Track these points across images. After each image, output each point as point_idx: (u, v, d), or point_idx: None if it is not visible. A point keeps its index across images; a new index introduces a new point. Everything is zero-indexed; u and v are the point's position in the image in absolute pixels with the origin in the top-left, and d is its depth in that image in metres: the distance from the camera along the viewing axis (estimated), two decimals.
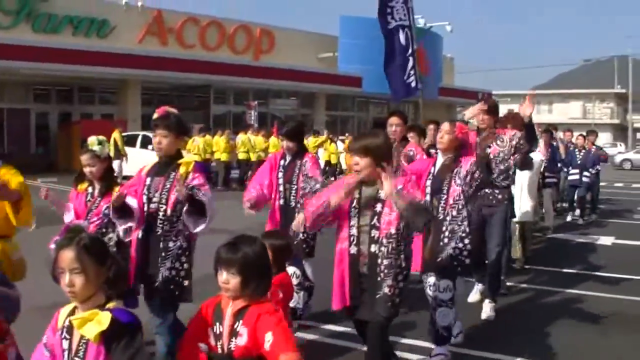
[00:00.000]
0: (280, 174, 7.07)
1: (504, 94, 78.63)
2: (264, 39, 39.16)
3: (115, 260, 3.35)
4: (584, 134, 17.27)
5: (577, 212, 16.29)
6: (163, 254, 5.36)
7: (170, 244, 5.38)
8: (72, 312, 3.31)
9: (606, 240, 13.38)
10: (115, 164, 22.41)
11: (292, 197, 6.98)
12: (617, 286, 9.40)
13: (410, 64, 9.36)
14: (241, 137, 26.05)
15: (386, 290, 4.81)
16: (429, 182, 6.39)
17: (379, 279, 4.84)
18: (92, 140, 6.02)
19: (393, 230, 4.85)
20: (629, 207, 19.61)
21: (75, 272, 3.15)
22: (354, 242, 4.94)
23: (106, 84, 33.64)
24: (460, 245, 6.10)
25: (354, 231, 4.95)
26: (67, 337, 3.25)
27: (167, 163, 5.54)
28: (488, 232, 7.76)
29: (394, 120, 7.84)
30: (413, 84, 9.48)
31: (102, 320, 3.10)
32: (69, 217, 6.02)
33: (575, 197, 16.32)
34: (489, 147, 7.69)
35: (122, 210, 5.36)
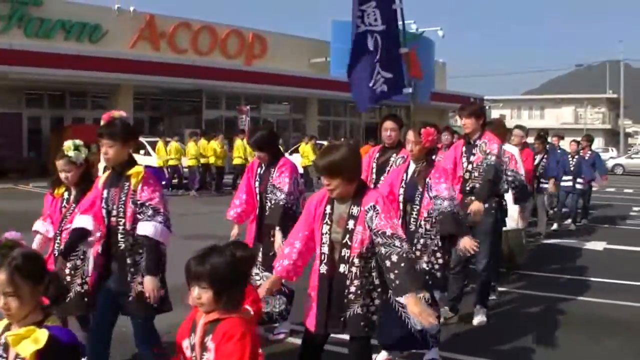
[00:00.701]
0: (257, 183, 6.93)
1: (496, 99, 78.83)
2: (256, 44, 39.19)
3: (54, 277, 3.19)
4: (578, 139, 17.19)
5: (568, 220, 16.17)
6: (132, 270, 5.18)
7: (138, 258, 5.19)
8: (8, 328, 3.13)
9: (597, 246, 13.41)
10: None
11: (267, 208, 6.80)
12: (608, 291, 9.41)
13: (377, 70, 9.19)
14: (237, 142, 26.07)
15: (359, 310, 4.55)
16: (402, 190, 6.24)
17: (345, 300, 4.56)
18: (68, 145, 5.89)
19: (364, 250, 4.54)
20: (621, 212, 19.67)
21: (9, 295, 2.97)
22: (324, 261, 4.64)
23: (98, 89, 33.56)
24: (433, 259, 6.02)
25: (325, 249, 4.64)
26: (4, 355, 3.07)
27: (121, 173, 5.32)
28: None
29: (388, 124, 7.59)
30: (378, 90, 9.28)
31: (39, 338, 2.93)
32: (39, 225, 5.92)
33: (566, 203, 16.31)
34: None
35: (81, 236, 5.22)
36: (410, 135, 6.19)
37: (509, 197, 8.77)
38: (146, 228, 5.09)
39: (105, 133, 5.28)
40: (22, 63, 26.44)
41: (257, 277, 6.60)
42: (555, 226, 15.54)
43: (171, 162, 24.84)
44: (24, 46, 27.41)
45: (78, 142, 5.97)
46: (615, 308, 8.59)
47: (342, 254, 4.58)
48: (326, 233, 4.64)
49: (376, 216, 4.44)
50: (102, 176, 5.56)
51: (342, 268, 4.58)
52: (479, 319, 7.74)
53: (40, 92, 32.93)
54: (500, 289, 9.13)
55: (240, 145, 25.77)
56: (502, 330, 7.55)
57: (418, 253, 5.92)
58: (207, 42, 36.70)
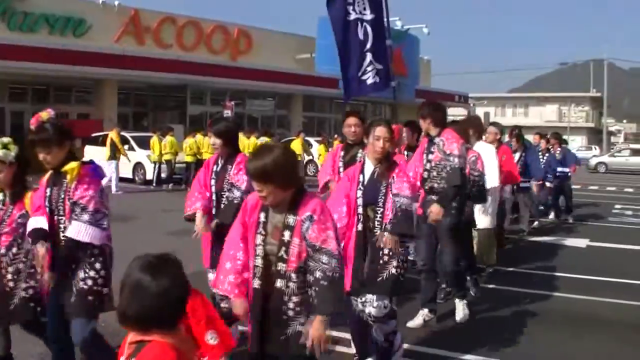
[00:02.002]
0: (213, 181, 6.34)
1: (481, 97, 79.11)
2: (242, 39, 39.12)
3: None
4: (548, 136, 17.07)
5: (551, 216, 16.30)
6: (73, 266, 5.00)
7: (79, 253, 4.99)
8: None
9: (580, 243, 13.49)
10: (112, 165, 22.32)
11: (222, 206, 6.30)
12: (590, 288, 9.47)
13: (368, 59, 8.98)
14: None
15: (299, 328, 4.10)
16: (359, 193, 5.70)
17: (285, 317, 4.12)
18: None
19: (303, 263, 4.09)
20: (604, 210, 19.81)
21: None
22: (258, 275, 4.21)
23: (82, 84, 33.35)
24: (400, 263, 5.58)
25: (259, 262, 4.21)
26: None
27: (59, 171, 5.10)
28: (440, 244, 7.56)
29: (351, 120, 7.28)
30: (369, 81, 8.95)
31: None
32: None
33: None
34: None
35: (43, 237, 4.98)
36: (383, 131, 5.74)
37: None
38: (69, 228, 4.92)
39: (38, 141, 5.09)
40: (5, 57, 26.20)
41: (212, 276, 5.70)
42: (536, 223, 15.44)
43: (166, 157, 24.80)
44: (8, 40, 27.15)
45: (7, 139, 5.58)
46: (597, 305, 8.65)
47: (278, 267, 4.15)
48: (260, 244, 4.23)
49: (310, 226, 4.04)
50: (46, 174, 5.31)
51: (279, 283, 4.14)
52: (461, 314, 7.70)
53: (23, 87, 32.72)
54: (481, 285, 9.15)
55: (240, 140, 25.69)
56: (483, 327, 7.59)
57: (386, 258, 5.53)
58: (192, 37, 36.59)
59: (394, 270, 5.52)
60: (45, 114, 5.25)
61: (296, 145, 27.31)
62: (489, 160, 8.99)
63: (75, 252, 4.97)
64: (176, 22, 35.97)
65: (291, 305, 4.12)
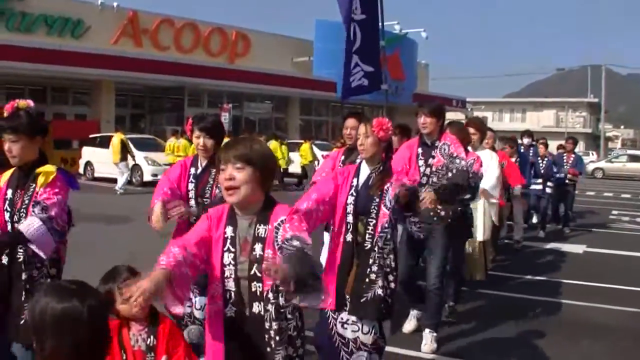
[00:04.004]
0: (192, 186, 5.55)
1: (478, 102, 79.18)
2: (240, 42, 39.15)
3: None
4: (546, 141, 16.44)
5: (540, 233, 15.21)
6: (27, 286, 4.39)
7: (35, 273, 4.45)
8: None
9: (577, 249, 13.46)
10: (123, 166, 22.43)
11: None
12: (586, 294, 9.44)
13: (354, 61, 8.75)
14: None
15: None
16: (351, 199, 4.99)
17: (269, 349, 3.50)
18: None
19: None
20: (601, 216, 19.83)
21: None
22: (232, 300, 3.55)
23: (80, 85, 33.39)
24: (386, 282, 4.91)
25: (230, 285, 3.55)
26: None
27: (28, 173, 4.57)
28: (428, 254, 7.02)
29: (349, 122, 6.86)
30: (354, 84, 8.79)
31: None
32: None
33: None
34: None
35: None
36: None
37: (475, 206, 8.55)
38: (24, 222, 4.33)
39: (7, 126, 4.52)
40: (3, 57, 26.21)
41: (190, 304, 5.18)
42: (541, 233, 15.11)
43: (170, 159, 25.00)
44: (5, 40, 27.17)
45: None
46: (593, 310, 8.63)
47: (253, 289, 3.53)
48: (229, 264, 3.55)
49: (281, 227, 3.43)
50: (6, 173, 4.76)
51: (256, 307, 3.54)
52: (428, 345, 6.85)
53: (21, 87, 32.68)
54: (479, 291, 9.16)
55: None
56: (479, 332, 7.55)
57: (373, 276, 4.88)
58: (189, 39, 36.61)
59: (380, 291, 4.84)
60: (24, 102, 4.67)
61: (305, 151, 27.42)
62: (490, 170, 8.81)
63: (14, 245, 4.39)
64: (174, 24, 35.99)
65: (272, 332, 3.50)
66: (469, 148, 8.13)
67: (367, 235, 4.91)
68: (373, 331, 4.87)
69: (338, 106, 45.72)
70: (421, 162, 6.82)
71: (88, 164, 27.18)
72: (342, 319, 4.92)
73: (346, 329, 4.91)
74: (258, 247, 3.51)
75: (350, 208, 4.96)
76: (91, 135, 27.77)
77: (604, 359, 6.96)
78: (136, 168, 25.20)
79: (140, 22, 34.26)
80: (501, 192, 10.26)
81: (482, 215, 8.89)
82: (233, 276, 3.52)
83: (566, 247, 13.53)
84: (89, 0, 32.77)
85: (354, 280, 4.89)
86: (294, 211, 3.62)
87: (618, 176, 43.42)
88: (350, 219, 4.95)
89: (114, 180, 23.09)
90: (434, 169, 6.73)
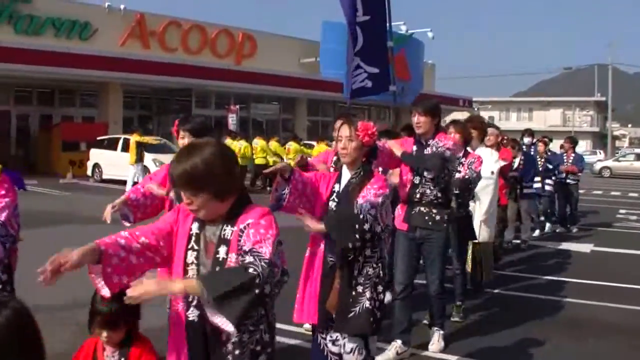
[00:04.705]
0: (172, 193, 5.24)
1: (485, 101, 79.11)
2: (246, 43, 39.17)
3: None
4: (546, 140, 16.40)
5: (537, 232, 15.03)
6: None
7: None
8: None
9: (585, 248, 13.49)
10: (138, 168, 22.53)
11: None
12: (594, 293, 9.47)
13: (356, 63, 8.63)
14: (259, 143, 26.33)
15: None
16: (333, 205, 4.79)
17: (230, 358, 3.20)
18: None
19: None
20: (608, 215, 19.81)
21: None
22: (194, 304, 3.22)
23: (87, 87, 33.47)
24: (374, 294, 4.62)
25: None
26: None
27: None
28: (425, 260, 6.75)
29: (337, 123, 6.05)
30: (355, 86, 8.68)
31: None
32: None
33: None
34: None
35: None
36: (344, 129, 4.80)
37: (475, 207, 8.53)
38: None
39: None
40: (11, 60, 26.29)
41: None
42: (537, 232, 15.04)
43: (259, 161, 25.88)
44: (14, 43, 27.24)
45: None
46: (601, 309, 8.65)
47: None
48: (192, 263, 3.26)
49: (246, 232, 3.14)
50: None
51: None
52: (435, 345, 6.86)
53: (29, 90, 32.86)
54: (487, 290, 9.18)
55: (264, 145, 26.13)
56: (487, 331, 7.58)
57: (360, 289, 4.59)
58: (197, 41, 36.64)
59: (368, 304, 4.57)
60: None
61: (320, 151, 27.35)
62: (487, 166, 8.41)
63: None
64: (181, 26, 36.03)
65: (230, 346, 3.19)
66: (468, 148, 8.08)
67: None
68: (357, 350, 4.65)
69: (345, 107, 45.68)
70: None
71: (96, 165, 27.26)
72: (331, 337, 4.75)
73: (335, 345, 4.75)
74: (222, 249, 3.19)
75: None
76: (99, 138, 27.86)
77: (611, 357, 6.98)
78: (144, 170, 25.31)
79: (148, 24, 34.32)
80: (505, 190, 10.28)
81: (482, 216, 8.69)
82: (196, 277, 3.14)
83: (573, 247, 13.56)
84: (97, 3, 32.95)
85: (338, 295, 4.61)
86: (265, 213, 3.21)
87: (625, 175, 43.30)
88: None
89: (122, 182, 23.17)
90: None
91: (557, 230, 15.73)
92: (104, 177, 26.38)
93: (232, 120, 33.00)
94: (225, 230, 3.21)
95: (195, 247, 3.26)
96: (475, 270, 8.96)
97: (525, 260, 11.95)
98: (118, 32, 32.89)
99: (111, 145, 26.68)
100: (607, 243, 14.18)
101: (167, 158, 25.08)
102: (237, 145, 25.64)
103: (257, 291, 2.87)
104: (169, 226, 3.33)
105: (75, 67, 28.31)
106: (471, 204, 8.32)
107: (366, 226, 4.38)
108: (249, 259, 2.96)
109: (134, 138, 23.31)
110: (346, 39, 8.89)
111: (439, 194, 6.43)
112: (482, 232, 8.65)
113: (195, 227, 3.29)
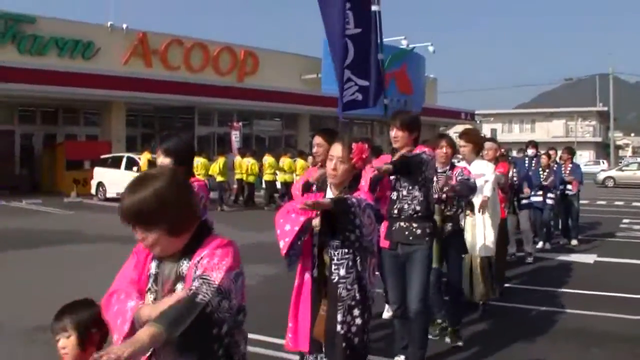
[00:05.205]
0: None
1: (487, 114, 79.25)
2: (248, 60, 39.31)
3: None
4: (550, 153, 15.84)
5: (540, 244, 14.75)
6: None
7: None
8: None
9: (588, 259, 13.49)
10: None
11: None
12: (598, 304, 9.48)
13: (346, 76, 8.42)
14: (268, 159, 26.41)
15: None
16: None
17: None
18: None
19: None
20: (611, 225, 19.76)
21: None
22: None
23: (91, 106, 33.65)
24: (349, 318, 4.31)
25: None
26: None
27: None
28: (407, 276, 6.28)
29: (316, 139, 6.31)
30: (346, 99, 8.48)
31: None
32: None
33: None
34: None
35: None
36: (337, 149, 4.52)
37: (478, 221, 8.37)
38: None
39: None
40: (15, 80, 26.54)
41: None
42: (540, 244, 14.75)
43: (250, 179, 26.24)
44: (17, 63, 27.52)
45: None
46: (604, 320, 8.67)
47: None
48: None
49: (200, 262, 2.84)
50: None
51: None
52: None
53: (32, 109, 33.06)
54: (490, 303, 9.09)
55: (273, 161, 26.19)
56: (491, 343, 7.60)
57: (339, 317, 4.33)
58: (199, 59, 36.82)
59: (339, 327, 4.30)
60: None
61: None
62: (484, 177, 8.31)
63: None
64: (183, 44, 36.21)
65: None
66: (455, 160, 7.97)
67: (333, 268, 4.37)
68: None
69: (347, 121, 45.82)
70: (392, 177, 6.26)
71: (100, 184, 27.34)
72: None
73: None
74: (179, 286, 2.89)
75: (315, 239, 4.49)
76: (102, 156, 27.96)
77: None
78: None
79: (150, 42, 34.49)
80: (504, 204, 10.17)
81: (482, 229, 8.43)
82: (151, 323, 2.65)
83: (576, 257, 13.56)
84: (99, 22, 33.10)
85: (325, 320, 4.39)
86: (223, 244, 2.89)
87: (629, 184, 43.24)
88: (316, 251, 4.50)
89: None
90: (402, 182, 6.22)
91: (560, 242, 15.70)
92: (108, 195, 26.44)
93: (235, 137, 33.10)
94: (182, 265, 2.92)
95: (154, 288, 3.00)
96: (472, 286, 8.57)
97: (527, 272, 11.97)
98: (121, 51, 33.06)
99: (115, 163, 26.76)
100: (611, 253, 14.17)
101: None
102: (246, 162, 25.76)
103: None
104: (134, 272, 3.09)
105: (78, 86, 28.53)
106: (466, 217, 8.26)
107: (354, 209, 4.12)
108: (196, 284, 2.72)
109: (144, 157, 23.42)
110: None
111: (418, 208, 6.16)
112: (484, 245, 8.43)
113: (153, 266, 3.05)
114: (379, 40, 8.54)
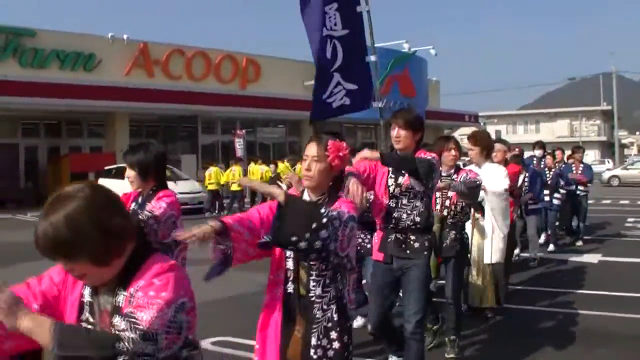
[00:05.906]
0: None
1: (491, 115, 79.20)
2: (250, 68, 39.33)
3: None
4: (555, 152, 16.26)
5: (551, 247, 14.68)
6: None
7: None
8: None
9: (592, 258, 13.48)
10: None
11: None
12: (602, 303, 9.46)
13: (335, 80, 8.19)
14: (280, 166, 26.66)
15: None
16: None
17: None
18: None
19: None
20: (616, 224, 19.77)
21: None
22: None
23: (94, 117, 33.75)
24: (325, 341, 3.79)
25: None
26: None
27: None
28: (403, 294, 5.88)
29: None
30: (335, 104, 8.26)
31: None
32: None
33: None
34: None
35: None
36: (311, 148, 4.02)
37: (487, 226, 8.29)
38: None
39: None
40: (17, 93, 26.64)
41: None
42: (551, 247, 14.69)
43: (211, 187, 26.73)
44: (19, 77, 27.64)
45: None
46: (610, 320, 8.65)
47: None
48: None
49: (135, 295, 2.46)
50: None
51: None
52: None
53: (36, 122, 33.17)
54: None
55: (284, 168, 26.22)
56: (496, 343, 7.61)
57: (314, 339, 3.81)
58: (201, 67, 36.86)
59: (312, 352, 3.79)
60: None
61: None
62: (496, 181, 8.19)
63: None
64: (185, 53, 36.25)
65: None
66: (460, 163, 7.76)
67: (311, 284, 3.84)
68: None
69: (351, 127, 45.82)
70: (391, 182, 5.75)
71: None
72: None
73: None
74: (117, 319, 2.46)
75: (289, 252, 3.91)
76: (107, 167, 27.98)
77: None
78: None
79: (151, 53, 34.55)
80: (513, 207, 10.06)
81: (490, 235, 8.33)
82: (53, 322, 2.40)
83: (581, 257, 13.56)
84: (100, 34, 33.15)
85: (301, 344, 3.85)
86: (162, 271, 2.48)
87: (634, 183, 43.16)
88: (290, 264, 3.95)
89: None
90: (403, 188, 5.66)
91: (565, 242, 15.68)
92: None
93: (239, 145, 33.11)
94: (118, 295, 2.52)
95: (91, 320, 2.60)
96: (481, 292, 8.57)
97: (532, 273, 11.94)
98: (122, 62, 33.13)
99: (119, 174, 26.75)
100: (615, 253, 14.16)
101: (172, 185, 25.46)
102: (259, 170, 25.76)
103: None
104: (55, 290, 2.67)
105: (81, 98, 28.62)
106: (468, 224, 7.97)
107: (323, 233, 3.42)
108: (122, 325, 2.37)
109: None
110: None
111: (418, 219, 5.65)
112: (494, 252, 8.34)
113: (87, 293, 2.63)
114: (368, 42, 8.41)
